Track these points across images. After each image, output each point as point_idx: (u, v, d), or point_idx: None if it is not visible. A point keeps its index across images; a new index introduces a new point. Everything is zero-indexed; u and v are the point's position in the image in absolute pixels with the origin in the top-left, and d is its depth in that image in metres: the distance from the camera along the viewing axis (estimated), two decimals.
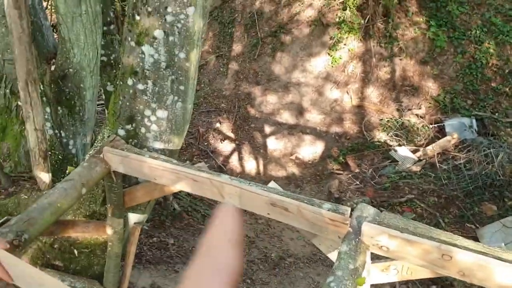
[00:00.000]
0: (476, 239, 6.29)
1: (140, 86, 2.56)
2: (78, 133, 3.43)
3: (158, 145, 2.78)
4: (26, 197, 3.03)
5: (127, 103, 2.63)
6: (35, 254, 3.07)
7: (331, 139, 8.37)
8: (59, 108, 3.24)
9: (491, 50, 7.82)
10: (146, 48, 2.46)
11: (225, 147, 8.74)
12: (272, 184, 2.58)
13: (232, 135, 8.90)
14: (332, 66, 8.78)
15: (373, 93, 8.35)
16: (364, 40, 8.60)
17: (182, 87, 2.61)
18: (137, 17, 2.42)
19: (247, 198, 2.34)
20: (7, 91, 3.14)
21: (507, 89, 7.56)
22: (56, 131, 3.30)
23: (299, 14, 9.39)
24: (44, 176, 3.00)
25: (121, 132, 2.73)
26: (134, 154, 2.51)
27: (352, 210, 2.30)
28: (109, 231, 2.91)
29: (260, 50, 9.57)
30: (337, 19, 8.76)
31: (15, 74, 2.74)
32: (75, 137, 3.42)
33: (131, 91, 2.59)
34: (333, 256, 2.56)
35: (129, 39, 2.48)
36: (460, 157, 7.07)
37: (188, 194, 6.70)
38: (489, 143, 7.12)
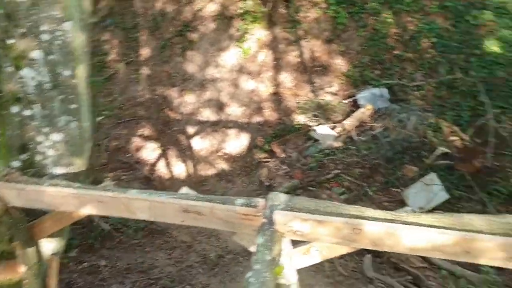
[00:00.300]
0: (402, 201, 6.61)
1: (27, 112, 2.41)
2: None
3: (59, 170, 2.64)
4: None
5: (15, 132, 2.47)
6: None
7: (254, 129, 8.42)
8: None
9: (390, 20, 8.20)
10: (25, 71, 2.31)
11: (150, 155, 8.53)
12: (184, 190, 2.54)
13: (155, 141, 8.71)
14: (244, 58, 8.82)
15: (286, 79, 8.49)
16: (269, 27, 8.70)
17: (74, 106, 2.49)
18: (11, 41, 2.26)
19: (157, 209, 2.28)
20: None
21: (410, 54, 7.97)
22: None
23: (202, 10, 9.32)
24: None
25: (16, 163, 2.56)
26: (31, 185, 2.37)
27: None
28: (22, 268, 2.74)
29: (170, 51, 9.40)
30: (240, 10, 8.79)
31: None
32: None
33: (17, 119, 2.43)
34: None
35: (6, 65, 2.32)
36: (376, 126, 7.38)
37: None
38: (401, 108, 7.49)
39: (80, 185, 2.42)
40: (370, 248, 2.11)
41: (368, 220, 2.05)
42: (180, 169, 8.20)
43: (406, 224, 1.99)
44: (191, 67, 9.18)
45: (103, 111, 9.09)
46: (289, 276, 2.49)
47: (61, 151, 2.56)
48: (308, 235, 2.14)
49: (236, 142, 8.39)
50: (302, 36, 8.54)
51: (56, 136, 2.50)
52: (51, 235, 2.88)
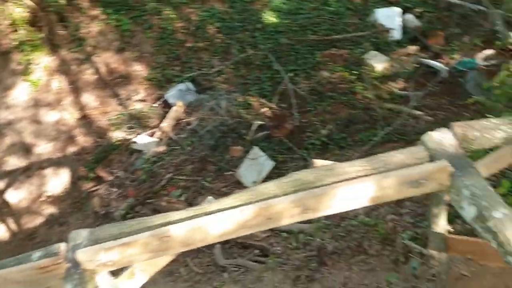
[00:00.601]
0: (238, 182, 6.83)
1: None
2: None
3: None
4: None
5: None
6: None
7: (72, 161, 7.87)
8: None
9: (172, 15, 8.29)
10: None
11: None
12: None
13: None
14: (36, 90, 8.12)
15: (89, 99, 8.08)
16: (54, 52, 8.13)
17: None
18: None
19: None
20: None
21: (201, 44, 8.18)
22: None
23: None
24: None
25: None
26: None
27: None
28: None
29: None
30: (15, 42, 8.03)
31: None
32: None
33: None
34: None
35: None
36: (192, 120, 7.46)
37: None
38: (210, 96, 7.68)
39: None
40: (185, 250, 2.07)
41: (173, 224, 2.00)
42: (2, 230, 7.30)
43: (209, 214, 1.99)
44: None
45: None
46: None
47: None
48: (120, 261, 2.02)
49: (57, 181, 7.76)
50: (91, 52, 8.17)
51: None
52: None
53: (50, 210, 7.49)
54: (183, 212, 2.10)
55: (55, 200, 7.61)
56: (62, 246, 2.05)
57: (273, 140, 6.97)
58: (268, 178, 6.41)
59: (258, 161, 6.62)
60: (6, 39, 8.06)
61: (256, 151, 6.73)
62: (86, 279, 1.96)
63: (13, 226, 7.27)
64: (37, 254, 2.04)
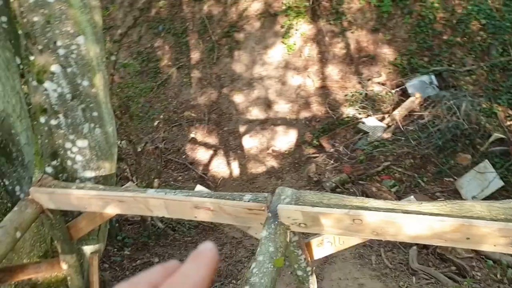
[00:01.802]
0: (456, 191, 6.37)
1: (53, 122, 2.62)
2: (23, 177, 3.48)
3: (89, 173, 2.84)
4: None
5: (46, 141, 2.70)
6: None
7: (302, 125, 8.44)
8: None
9: (436, 5, 7.89)
10: (47, 84, 2.52)
11: (203, 155, 8.80)
12: (198, 187, 2.65)
13: (207, 142, 8.96)
14: (289, 54, 8.85)
15: (333, 71, 8.42)
16: (313, 21, 8.66)
17: (95, 113, 2.67)
18: (31, 57, 2.48)
19: (172, 206, 2.40)
20: None
21: (458, 39, 7.63)
22: (0, 181, 3.36)
23: (247, 10, 9.45)
24: None
25: (49, 169, 2.79)
26: (59, 188, 2.57)
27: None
28: (64, 266, 2.97)
29: (218, 53, 9.63)
30: (284, 7, 8.82)
31: None
32: (21, 182, 3.47)
33: (46, 128, 2.65)
34: None
35: (30, 79, 2.55)
36: (426, 115, 7.14)
37: None
38: (451, 95, 7.19)
39: (104, 187, 2.60)
40: (374, 238, 2.10)
41: (370, 210, 2.04)
42: (231, 167, 8.39)
43: (406, 213, 1.98)
44: (239, 67, 9.34)
45: (159, 116, 9.48)
46: (305, 267, 2.54)
47: (88, 156, 2.75)
48: (312, 227, 2.18)
49: (285, 139, 8.44)
50: (347, 28, 8.43)
51: (82, 143, 2.69)
52: (88, 234, 3.10)
53: (272, 163, 8.25)
54: (381, 202, 2.12)
55: (278, 155, 8.34)
56: (268, 197, 2.31)
57: (510, 158, 6.21)
58: (491, 197, 5.81)
59: (485, 176, 6.03)
60: (277, 2, 8.92)
61: (486, 165, 6.12)
62: (280, 231, 2.18)
63: (241, 167, 8.28)
64: (248, 196, 2.33)
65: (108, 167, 2.91)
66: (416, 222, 1.93)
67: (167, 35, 10.44)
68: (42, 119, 2.62)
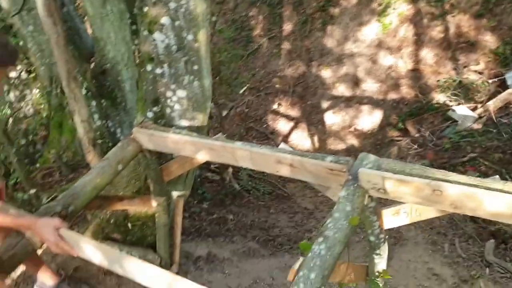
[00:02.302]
0: None
1: (158, 71, 2.87)
2: (123, 121, 3.84)
3: (184, 122, 3.08)
4: None
5: (150, 88, 2.96)
6: (95, 230, 3.53)
7: (389, 106, 8.30)
8: (102, 101, 3.66)
9: None
10: (157, 35, 2.76)
11: (284, 127, 8.96)
12: (282, 145, 2.78)
13: (289, 114, 9.10)
14: (384, 33, 8.66)
15: (427, 55, 8.14)
16: (413, 1, 8.37)
17: (196, 67, 2.88)
18: (145, 8, 2.72)
19: (257, 159, 2.57)
20: (58, 91, 3.61)
21: None
22: (104, 122, 3.73)
23: None
24: (95, 161, 3.43)
25: (150, 114, 3.07)
26: (158, 131, 2.84)
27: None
28: (153, 203, 3.28)
29: (310, 26, 9.64)
30: None
31: None
32: (122, 126, 3.83)
33: (151, 76, 2.91)
34: None
35: (142, 29, 2.80)
36: None
37: (248, 175, 7.03)
38: None
39: (197, 135, 2.83)
40: (452, 211, 2.13)
41: (451, 183, 2.08)
42: (311, 142, 8.48)
43: (488, 189, 1.99)
44: (330, 42, 9.31)
45: (246, 83, 9.75)
46: (378, 234, 2.62)
47: (185, 106, 2.99)
48: (391, 193, 2.24)
49: (369, 119, 8.36)
50: (449, 11, 8.06)
51: (181, 93, 2.92)
52: (177, 179, 3.38)
53: (353, 141, 8.24)
54: (463, 177, 2.14)
55: (360, 135, 8.29)
56: (350, 161, 2.40)
57: None
58: None
59: None
60: None
61: None
62: (358, 194, 2.27)
63: (321, 142, 8.35)
64: (330, 158, 2.44)
65: (201, 119, 3.14)
66: (498, 199, 1.94)
67: (262, 5, 10.59)
68: (149, 67, 2.88)
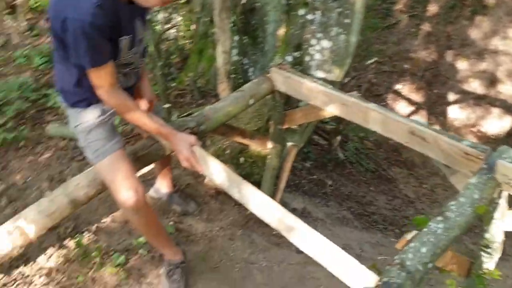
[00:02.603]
0: None
1: (309, 16, 2.88)
2: (258, 62, 3.92)
3: (320, 74, 3.09)
4: None
5: (297, 32, 2.99)
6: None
7: None
8: (244, 37, 3.76)
9: None
10: None
11: (403, 109, 8.62)
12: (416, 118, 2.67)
13: (412, 98, 8.72)
14: None
15: None
16: None
17: (347, 20, 2.85)
18: None
19: (388, 125, 2.52)
20: (207, 19, 3.77)
21: None
22: (240, 58, 3.85)
23: None
24: (225, 93, 3.58)
25: (289, 58, 3.11)
26: (295, 75, 2.88)
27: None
28: (269, 145, 3.38)
29: (458, 12, 9.00)
30: None
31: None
32: (255, 66, 3.93)
33: (301, 20, 2.93)
34: None
35: None
36: None
37: (356, 148, 6.93)
38: None
39: (332, 87, 2.83)
40: None
41: None
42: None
43: None
44: (475, 33, 8.66)
45: (374, 56, 9.45)
46: (496, 233, 2.48)
47: (326, 57, 2.98)
48: None
49: (497, 123, 7.78)
50: None
51: (326, 43, 2.92)
52: (296, 128, 3.44)
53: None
54: None
55: (483, 137, 7.76)
56: (488, 150, 2.27)
57: None
58: None
59: None
60: None
61: None
62: (489, 185, 2.15)
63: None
64: (467, 142, 2.32)
65: (337, 74, 3.12)
66: None
67: None
68: (301, 11, 2.90)
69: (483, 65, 8.36)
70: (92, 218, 3.06)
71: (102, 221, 3.05)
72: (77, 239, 2.78)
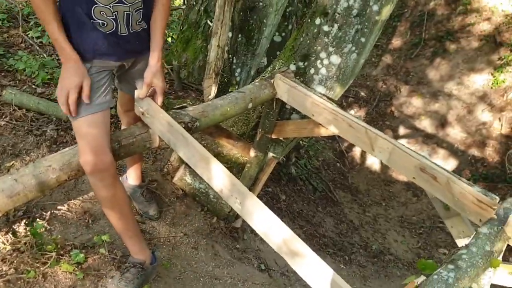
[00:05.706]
0: None
1: (326, 28, 2.72)
2: (246, 64, 3.72)
3: (320, 89, 2.94)
4: (190, 104, 3.40)
5: (308, 41, 2.82)
6: None
7: (466, 160, 7.96)
8: (239, 35, 3.55)
9: None
10: None
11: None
12: (424, 153, 2.61)
13: None
14: (492, 88, 8.27)
15: None
16: None
17: (363, 39, 2.72)
18: None
19: (397, 156, 2.41)
20: (202, 8, 3.50)
21: None
22: (230, 56, 3.62)
23: (473, 26, 8.93)
24: (211, 90, 3.33)
25: (292, 67, 2.93)
26: (301, 86, 2.70)
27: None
28: (252, 153, 3.17)
29: (420, 51, 9.31)
30: None
31: None
32: (243, 67, 3.72)
33: (315, 30, 2.77)
34: (460, 243, 2.54)
35: None
36: None
37: (305, 166, 6.87)
38: None
39: (338, 106, 2.68)
40: None
41: None
42: (373, 160, 8.24)
43: None
44: (432, 74, 8.98)
45: None
46: (484, 285, 2.43)
47: (332, 73, 2.83)
48: None
49: (441, 163, 8.02)
50: None
51: (335, 59, 2.77)
52: (281, 140, 3.26)
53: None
54: None
55: None
56: (498, 200, 2.21)
57: None
58: None
59: None
60: (510, 34, 8.30)
61: None
62: (498, 237, 2.09)
63: (383, 166, 8.09)
64: (477, 188, 2.25)
65: (337, 93, 2.99)
66: None
67: None
68: (317, 21, 2.74)
69: (436, 106, 8.67)
70: (46, 203, 2.68)
71: (58, 207, 2.68)
72: (31, 227, 2.40)
